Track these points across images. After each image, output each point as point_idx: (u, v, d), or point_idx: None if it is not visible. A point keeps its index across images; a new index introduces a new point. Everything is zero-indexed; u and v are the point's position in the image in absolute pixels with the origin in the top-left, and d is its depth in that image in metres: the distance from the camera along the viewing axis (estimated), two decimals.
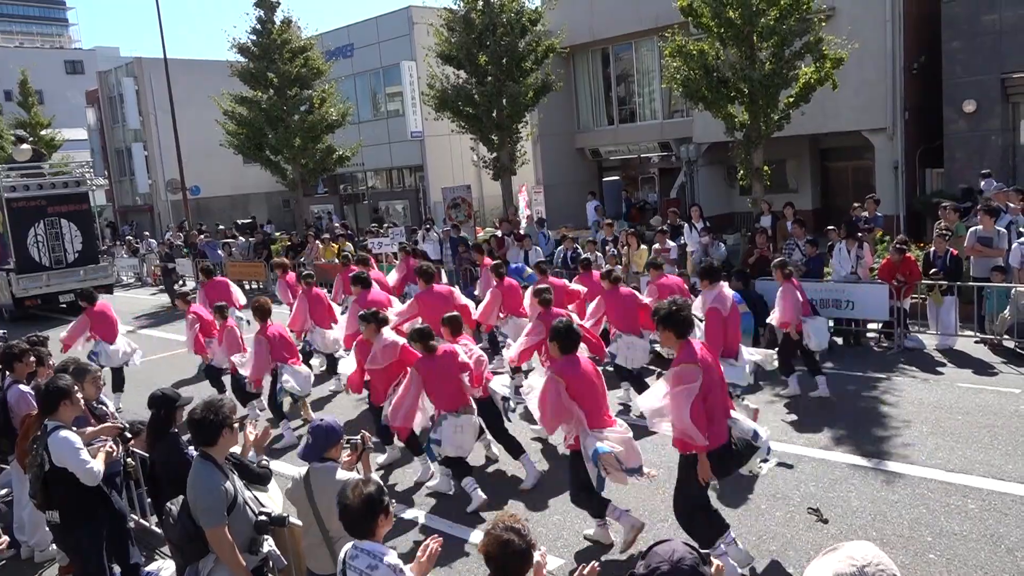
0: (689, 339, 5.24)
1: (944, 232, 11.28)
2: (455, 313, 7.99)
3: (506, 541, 2.99)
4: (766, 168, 15.25)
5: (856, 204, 14.62)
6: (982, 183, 15.07)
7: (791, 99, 14.33)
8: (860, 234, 11.99)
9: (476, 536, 6.13)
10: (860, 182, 20.43)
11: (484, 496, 6.81)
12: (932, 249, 11.23)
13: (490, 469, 7.78)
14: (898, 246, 10.98)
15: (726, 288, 8.10)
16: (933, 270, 10.91)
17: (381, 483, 3.67)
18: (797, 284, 9.38)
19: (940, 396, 8.80)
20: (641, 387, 8.76)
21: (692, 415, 4.98)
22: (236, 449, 4.65)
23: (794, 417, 8.52)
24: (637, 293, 9.59)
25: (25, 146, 22.82)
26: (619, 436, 5.73)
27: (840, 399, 8.98)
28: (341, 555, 3.52)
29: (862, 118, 18.55)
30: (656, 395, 5.33)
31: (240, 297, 12.38)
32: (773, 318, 9.42)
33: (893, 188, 18.28)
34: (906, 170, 18.29)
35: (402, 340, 7.51)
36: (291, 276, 13.10)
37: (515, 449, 7.39)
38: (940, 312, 10.89)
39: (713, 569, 2.58)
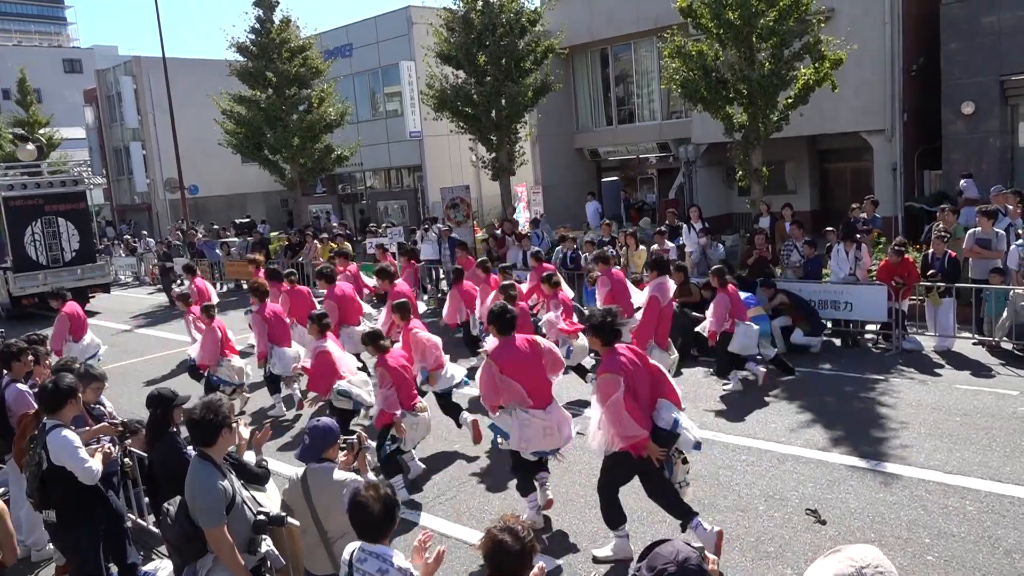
0: (615, 346, 5.52)
1: (942, 234, 11.28)
2: (404, 300, 8.60)
3: (500, 541, 2.98)
4: (765, 169, 15.24)
5: (855, 205, 14.63)
6: (962, 183, 15.10)
7: (790, 100, 14.32)
8: (858, 235, 11.99)
9: (474, 536, 6.13)
10: (859, 183, 20.44)
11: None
12: (930, 251, 11.23)
13: (486, 468, 7.78)
14: (896, 247, 10.98)
15: (670, 281, 9.02)
16: (931, 272, 10.92)
17: (392, 484, 3.64)
18: (732, 291, 9.72)
19: (938, 398, 8.80)
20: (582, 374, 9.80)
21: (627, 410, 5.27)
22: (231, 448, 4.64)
23: (793, 419, 8.51)
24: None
25: (31, 146, 22.76)
26: (540, 421, 6.01)
27: (838, 400, 8.99)
28: (346, 556, 3.45)
29: (861, 119, 18.55)
30: (595, 416, 5.55)
31: (214, 296, 13.13)
32: (705, 325, 9.88)
33: (891, 189, 18.28)
34: (905, 172, 18.30)
35: (332, 350, 7.97)
36: (262, 272, 13.27)
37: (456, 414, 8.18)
38: (938, 314, 10.88)
39: (710, 565, 2.57)
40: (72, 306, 11.48)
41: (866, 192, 16.70)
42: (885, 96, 18.08)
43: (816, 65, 14.01)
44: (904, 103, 18.11)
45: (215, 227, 28.36)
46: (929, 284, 10.87)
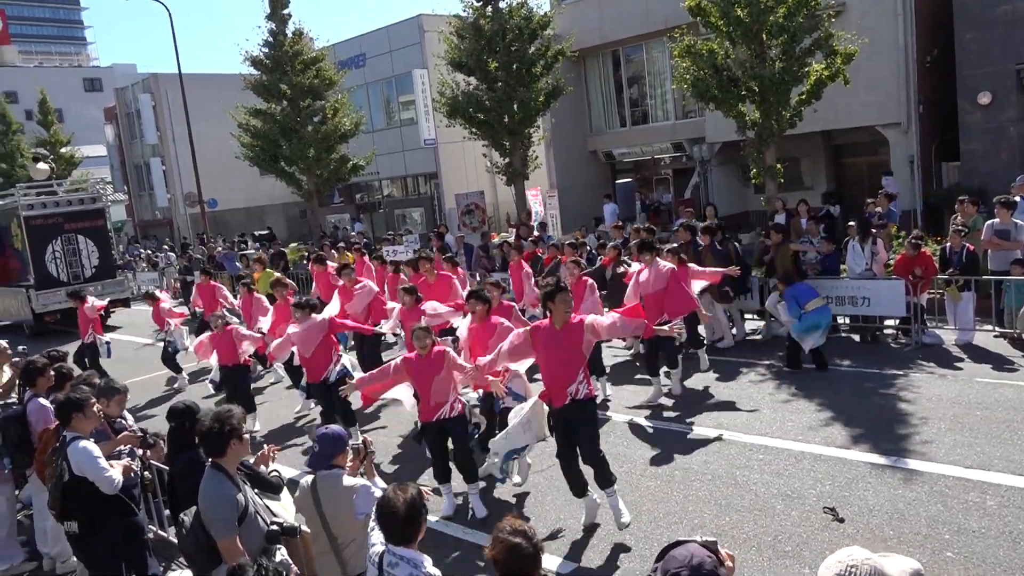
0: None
1: (960, 228, 11.14)
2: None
3: (515, 545, 2.91)
4: (779, 166, 15.15)
5: (870, 200, 14.50)
6: (884, 179, 14.91)
7: (802, 96, 14.22)
8: (874, 230, 11.88)
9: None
10: (875, 178, 20.23)
11: None
12: (948, 245, 11.10)
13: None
14: (913, 241, 10.86)
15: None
16: (949, 270, 10.76)
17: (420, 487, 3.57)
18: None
19: (959, 392, 8.69)
20: None
21: None
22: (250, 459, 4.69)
23: (810, 416, 8.44)
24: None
25: (42, 165, 23.13)
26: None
27: (857, 397, 8.90)
28: (376, 559, 3.39)
29: (875, 113, 18.40)
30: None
31: (230, 296, 13.81)
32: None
33: (909, 183, 18.11)
34: (922, 164, 18.12)
35: None
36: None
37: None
38: (958, 307, 10.75)
39: (727, 564, 2.57)
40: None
41: (883, 186, 16.54)
42: (900, 89, 17.93)
43: (828, 60, 13.91)
44: (919, 95, 17.94)
45: (213, 239, 28.56)
46: (947, 278, 10.74)
